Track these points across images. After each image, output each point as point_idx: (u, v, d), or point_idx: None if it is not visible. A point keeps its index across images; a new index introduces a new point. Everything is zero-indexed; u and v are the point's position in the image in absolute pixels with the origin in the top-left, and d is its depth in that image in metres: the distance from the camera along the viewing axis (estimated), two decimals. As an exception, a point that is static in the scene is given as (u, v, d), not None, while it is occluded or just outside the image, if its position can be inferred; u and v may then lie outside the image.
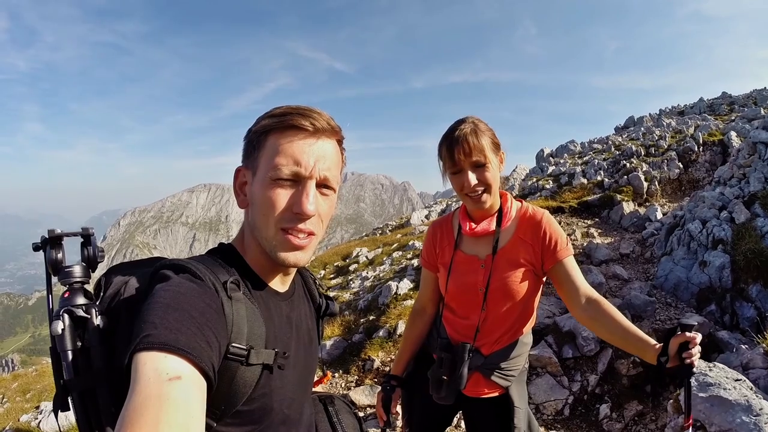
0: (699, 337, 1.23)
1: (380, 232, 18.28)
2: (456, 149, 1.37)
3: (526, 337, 1.58)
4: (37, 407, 6.06)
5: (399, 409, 1.71)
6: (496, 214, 1.50)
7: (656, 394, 3.60)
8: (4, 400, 7.78)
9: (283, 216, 0.80)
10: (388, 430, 1.68)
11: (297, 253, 0.83)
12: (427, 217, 16.78)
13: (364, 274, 9.24)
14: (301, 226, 0.81)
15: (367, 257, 11.22)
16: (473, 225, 1.50)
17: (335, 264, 12.17)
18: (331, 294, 8.11)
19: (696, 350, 1.22)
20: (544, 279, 1.54)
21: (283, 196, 0.80)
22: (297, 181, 0.81)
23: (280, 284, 0.93)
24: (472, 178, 1.38)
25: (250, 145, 0.85)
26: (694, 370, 1.24)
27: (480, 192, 1.41)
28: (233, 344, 0.74)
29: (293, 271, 0.96)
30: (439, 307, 1.68)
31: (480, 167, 1.39)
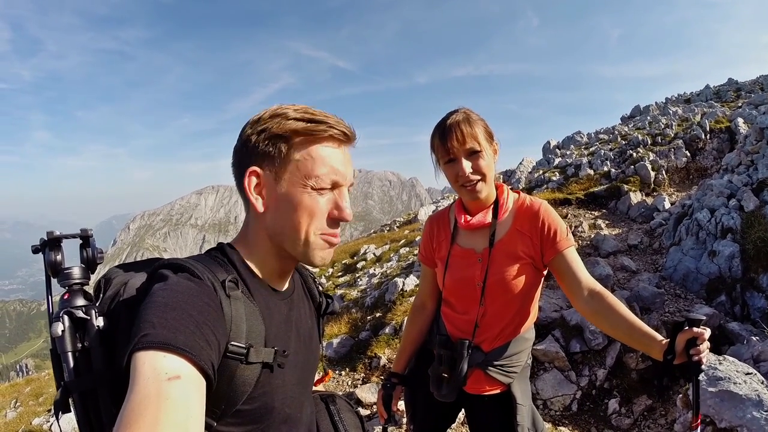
0: (707, 333, 1.16)
1: (388, 228, 18.28)
2: (449, 137, 1.35)
3: (528, 332, 1.54)
4: (49, 410, 6.15)
5: (403, 406, 1.70)
6: (492, 206, 1.46)
7: (666, 388, 3.56)
8: (18, 404, 7.90)
9: (324, 223, 0.86)
10: (389, 427, 1.66)
11: (330, 251, 0.90)
12: (434, 212, 16.73)
13: (371, 271, 9.24)
14: (336, 230, 0.88)
15: (374, 254, 11.24)
16: (468, 217, 1.48)
17: (343, 262, 12.20)
18: (339, 292, 8.11)
19: (704, 347, 1.16)
20: (545, 272, 1.49)
21: (323, 204, 0.85)
22: (333, 188, 0.86)
23: (279, 283, 0.93)
24: (467, 166, 1.36)
25: (272, 146, 0.82)
26: (703, 367, 1.17)
27: (475, 181, 1.38)
28: (232, 342, 0.74)
29: (292, 269, 0.96)
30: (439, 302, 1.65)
31: (474, 155, 1.36)
